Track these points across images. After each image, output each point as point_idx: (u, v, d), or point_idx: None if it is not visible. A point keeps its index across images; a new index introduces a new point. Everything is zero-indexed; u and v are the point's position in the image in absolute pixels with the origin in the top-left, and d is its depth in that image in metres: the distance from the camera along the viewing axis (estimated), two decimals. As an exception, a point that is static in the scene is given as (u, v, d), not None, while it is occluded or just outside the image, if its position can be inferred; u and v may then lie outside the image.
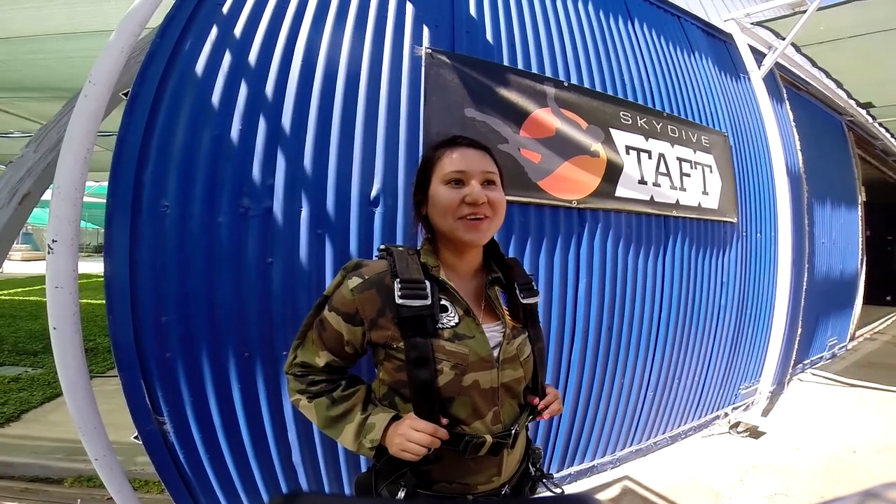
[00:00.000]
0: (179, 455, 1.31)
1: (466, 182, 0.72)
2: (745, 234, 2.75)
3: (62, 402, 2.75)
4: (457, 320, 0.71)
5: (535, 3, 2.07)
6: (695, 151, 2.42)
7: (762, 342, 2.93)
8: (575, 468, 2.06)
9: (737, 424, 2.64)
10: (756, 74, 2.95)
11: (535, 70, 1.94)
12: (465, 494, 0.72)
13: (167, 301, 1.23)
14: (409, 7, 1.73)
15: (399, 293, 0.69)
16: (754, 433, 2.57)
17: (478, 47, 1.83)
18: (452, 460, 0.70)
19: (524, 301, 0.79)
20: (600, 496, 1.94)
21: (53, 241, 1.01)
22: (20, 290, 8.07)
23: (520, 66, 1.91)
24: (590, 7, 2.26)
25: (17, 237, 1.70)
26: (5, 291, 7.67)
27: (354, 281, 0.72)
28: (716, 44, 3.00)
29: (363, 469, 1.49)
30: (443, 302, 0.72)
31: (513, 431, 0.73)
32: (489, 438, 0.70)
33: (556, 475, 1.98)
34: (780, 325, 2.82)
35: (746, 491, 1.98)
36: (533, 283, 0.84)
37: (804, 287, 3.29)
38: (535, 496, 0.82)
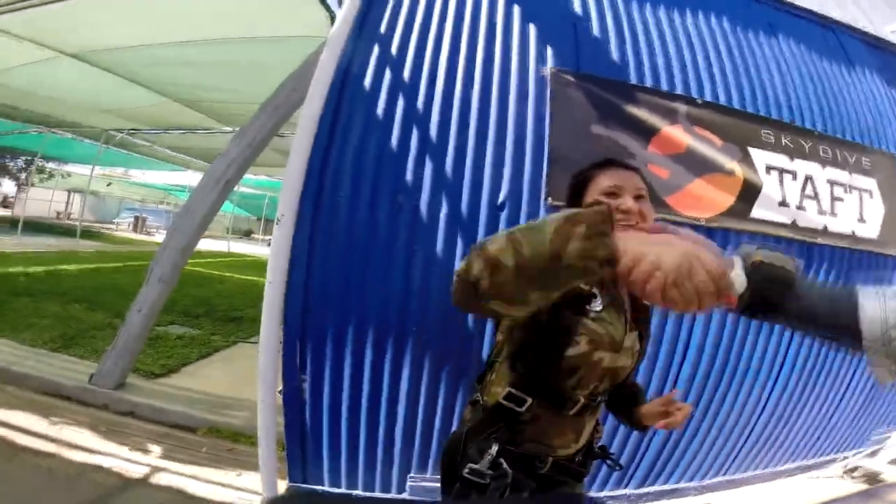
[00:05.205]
0: (307, 413, 1.55)
1: (620, 195, 0.81)
2: (914, 271, 2.30)
3: (214, 360, 3.28)
4: (601, 306, 0.81)
5: (664, 21, 2.06)
6: (851, 174, 2.13)
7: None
8: (656, 488, 1.97)
9: (854, 469, 2.23)
10: (937, 89, 2.50)
11: (664, 87, 1.92)
12: (547, 455, 0.82)
13: (333, 277, 1.50)
14: (532, 29, 1.85)
15: None
16: (872, 480, 2.18)
17: (602, 66, 1.88)
18: (546, 420, 0.81)
19: (643, 303, 0.87)
20: None
21: (282, 215, 1.40)
22: (190, 262, 9.68)
23: (648, 83, 1.91)
24: (725, 23, 2.17)
25: (215, 215, 2.19)
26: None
27: None
28: (881, 55, 2.63)
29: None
30: (593, 290, 0.81)
31: (599, 400, 0.84)
32: (582, 399, 0.81)
33: (633, 492, 1.94)
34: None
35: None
36: None
37: None
38: (543, 494, 0.85)
